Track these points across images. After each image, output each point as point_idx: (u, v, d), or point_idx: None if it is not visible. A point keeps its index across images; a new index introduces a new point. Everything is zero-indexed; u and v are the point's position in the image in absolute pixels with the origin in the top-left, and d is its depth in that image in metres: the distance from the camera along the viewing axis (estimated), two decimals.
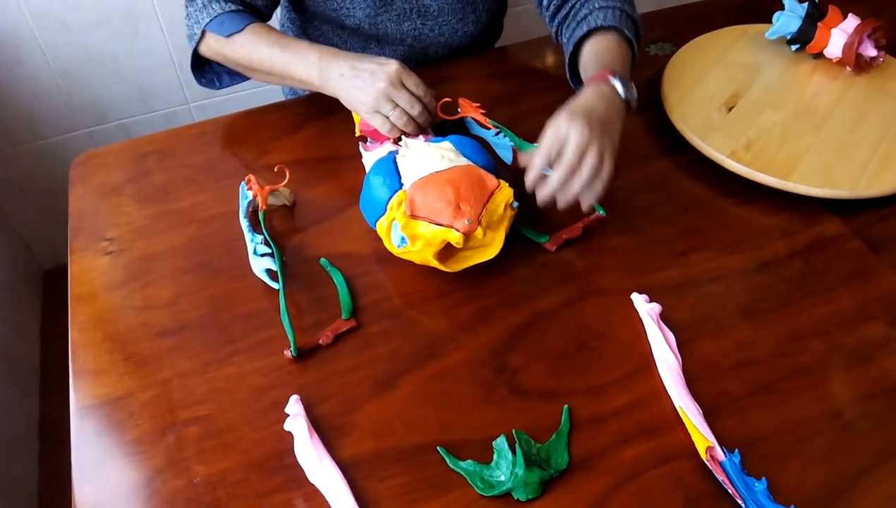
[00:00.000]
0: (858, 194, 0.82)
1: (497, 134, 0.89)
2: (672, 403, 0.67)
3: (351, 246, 0.81)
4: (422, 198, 0.72)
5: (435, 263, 0.73)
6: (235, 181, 0.87)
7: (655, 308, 0.73)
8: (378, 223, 0.75)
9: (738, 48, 1.04)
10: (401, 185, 0.75)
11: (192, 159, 0.93)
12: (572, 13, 0.95)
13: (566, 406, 0.66)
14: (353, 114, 0.90)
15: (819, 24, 0.99)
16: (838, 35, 0.97)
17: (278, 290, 0.73)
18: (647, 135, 0.95)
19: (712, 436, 0.63)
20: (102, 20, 1.42)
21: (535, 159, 0.75)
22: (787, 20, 1.01)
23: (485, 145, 0.89)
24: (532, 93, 0.99)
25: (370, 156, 0.85)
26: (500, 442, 0.63)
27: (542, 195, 0.75)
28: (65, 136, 1.57)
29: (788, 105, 0.94)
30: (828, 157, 0.86)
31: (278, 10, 1.11)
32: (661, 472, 0.62)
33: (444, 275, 0.77)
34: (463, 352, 0.71)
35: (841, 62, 1.00)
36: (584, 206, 0.76)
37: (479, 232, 0.71)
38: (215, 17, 0.90)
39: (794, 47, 1.03)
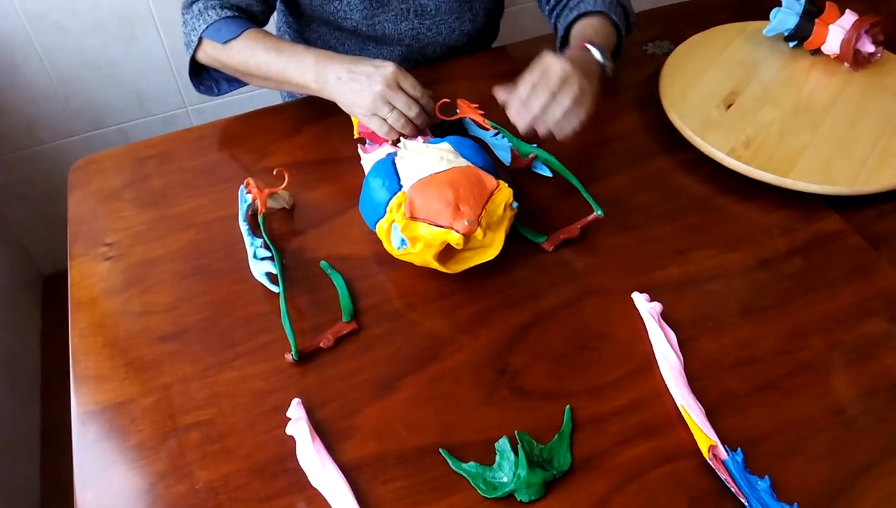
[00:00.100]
0: (858, 190, 0.82)
1: (495, 135, 0.89)
2: (674, 402, 0.67)
3: (351, 248, 0.81)
4: (421, 199, 0.72)
5: (435, 265, 0.73)
6: (234, 185, 0.87)
7: (656, 307, 0.73)
8: (378, 225, 0.75)
9: (736, 45, 1.04)
10: (400, 187, 0.75)
11: (191, 163, 0.92)
12: (567, 3, 0.99)
13: (568, 406, 0.66)
14: (352, 117, 0.90)
15: (816, 20, 0.99)
16: (836, 31, 0.97)
17: (278, 294, 0.73)
18: (645, 134, 0.95)
19: (714, 435, 0.63)
20: (99, 25, 1.42)
21: (519, 88, 0.79)
22: (785, 17, 1.01)
23: (483, 146, 0.89)
24: None
25: (369, 158, 0.85)
26: (503, 444, 0.63)
27: (524, 120, 0.79)
28: (63, 141, 1.57)
29: (787, 102, 0.94)
30: (827, 154, 0.86)
31: (275, 15, 1.11)
32: (664, 472, 0.62)
33: (445, 277, 0.77)
34: (464, 354, 0.71)
35: (839, 58, 0.99)
36: (560, 135, 0.80)
37: (478, 232, 0.71)
38: (212, 23, 0.90)
39: (791, 44, 1.03)
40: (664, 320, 0.73)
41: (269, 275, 0.76)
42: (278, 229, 0.84)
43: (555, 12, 1.02)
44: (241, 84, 0.97)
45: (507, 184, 0.75)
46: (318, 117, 0.97)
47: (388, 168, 0.77)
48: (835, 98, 0.94)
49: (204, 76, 0.99)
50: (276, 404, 0.67)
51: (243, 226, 0.81)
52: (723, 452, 0.62)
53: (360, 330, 0.73)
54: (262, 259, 0.76)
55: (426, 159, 0.76)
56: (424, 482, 0.62)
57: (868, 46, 0.97)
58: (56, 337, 1.68)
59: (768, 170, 0.84)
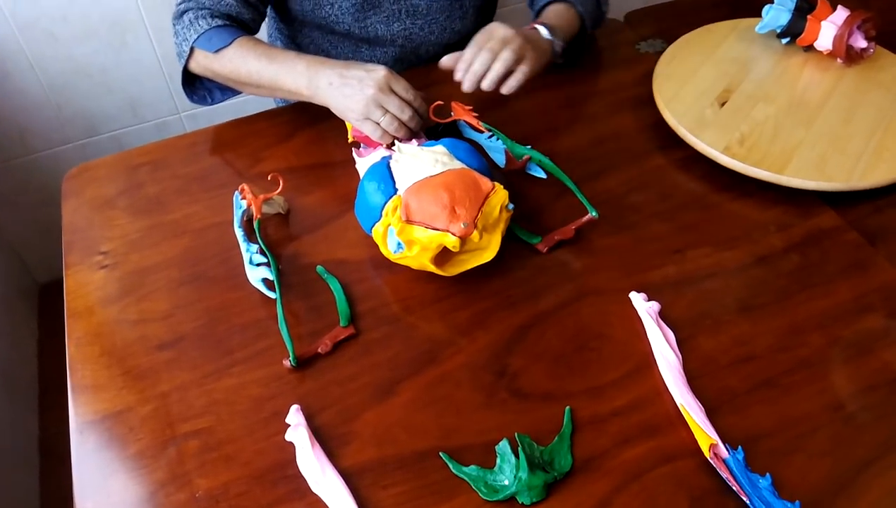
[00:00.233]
0: (853, 186, 0.82)
1: (490, 137, 0.89)
2: (673, 401, 0.67)
3: (347, 252, 0.81)
4: (417, 202, 0.72)
5: (432, 268, 0.73)
6: (229, 191, 0.87)
7: (654, 306, 0.73)
8: (374, 229, 0.75)
9: (729, 43, 1.04)
10: (395, 190, 0.75)
11: (185, 170, 0.92)
12: None
13: (567, 407, 0.66)
14: (345, 121, 0.90)
15: (809, 16, 0.99)
16: (828, 27, 0.97)
17: (275, 299, 0.73)
18: (639, 133, 0.95)
19: (715, 434, 0.63)
20: (90, 32, 1.42)
21: (465, 52, 0.85)
22: (777, 14, 1.01)
23: (478, 148, 0.89)
24: (524, 95, 0.98)
25: (363, 162, 0.85)
26: (503, 446, 0.63)
27: (469, 82, 0.85)
28: (56, 150, 1.56)
29: (780, 98, 0.94)
30: (821, 150, 0.86)
31: (266, 22, 1.11)
32: (665, 471, 0.62)
33: (442, 280, 0.76)
34: (462, 357, 0.71)
35: (831, 54, 1.00)
36: (505, 90, 0.84)
37: (475, 235, 0.71)
38: (203, 33, 0.90)
39: (784, 41, 1.03)
40: (662, 319, 0.73)
41: (266, 281, 0.75)
42: (274, 235, 0.83)
43: (534, 5, 1.07)
44: (235, 92, 0.97)
45: (502, 186, 0.75)
46: (312, 122, 0.97)
47: (383, 171, 0.77)
48: (828, 94, 0.95)
49: (197, 86, 0.98)
50: (275, 410, 0.67)
51: (238, 233, 0.80)
52: (723, 451, 0.62)
53: (358, 335, 0.73)
54: (259, 265, 0.76)
55: (421, 162, 0.76)
56: (425, 486, 0.62)
57: (860, 42, 0.97)
58: (53, 345, 1.67)
59: (763, 167, 0.84)
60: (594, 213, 0.79)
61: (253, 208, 0.80)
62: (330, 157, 0.93)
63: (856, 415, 0.66)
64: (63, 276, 0.81)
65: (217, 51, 0.89)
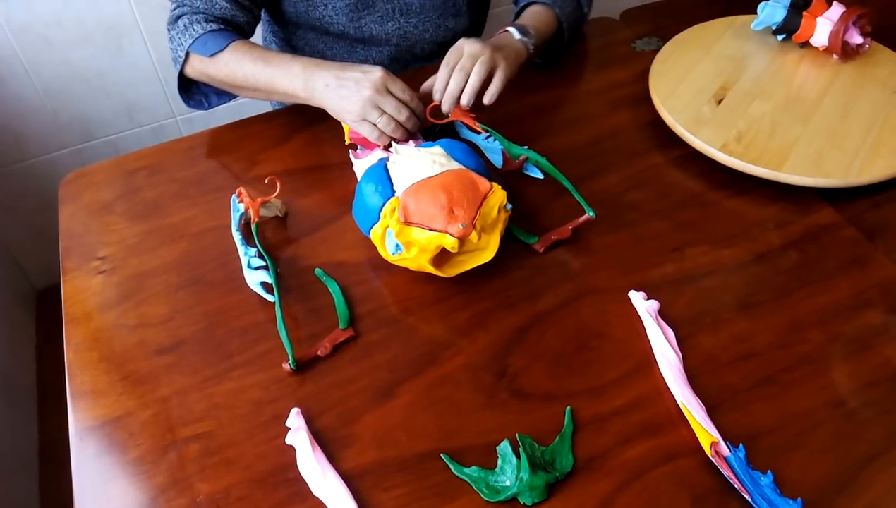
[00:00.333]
0: (850, 182, 0.82)
1: (487, 137, 0.89)
2: (674, 400, 0.67)
3: (345, 255, 0.81)
4: (415, 204, 0.72)
5: (431, 269, 0.73)
6: (226, 194, 0.87)
7: (654, 305, 0.73)
8: (372, 231, 0.75)
9: (725, 40, 1.04)
10: (393, 192, 0.75)
11: (182, 174, 0.92)
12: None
13: (568, 407, 0.66)
14: (342, 123, 0.89)
15: (804, 13, 0.99)
16: (824, 23, 0.97)
17: (274, 303, 0.73)
18: (637, 131, 0.95)
19: (716, 432, 0.63)
20: (85, 36, 1.41)
21: (439, 73, 0.85)
22: (773, 10, 1.01)
23: (475, 149, 0.89)
24: (521, 95, 0.98)
25: (361, 164, 0.85)
26: (504, 447, 0.63)
27: (448, 104, 0.86)
28: (53, 155, 1.56)
29: (777, 95, 0.94)
30: (818, 146, 0.86)
31: (260, 25, 1.11)
32: (666, 470, 0.62)
33: (440, 281, 0.76)
34: (462, 358, 0.71)
35: (827, 50, 1.00)
36: (487, 100, 0.85)
37: (473, 236, 0.71)
38: (198, 37, 0.89)
39: (780, 37, 1.03)
40: (662, 318, 0.73)
41: (264, 285, 0.75)
42: (272, 238, 0.83)
43: (517, 5, 1.07)
44: (231, 97, 0.97)
45: (500, 187, 0.75)
46: (308, 124, 0.97)
47: (381, 173, 0.77)
48: (825, 90, 0.95)
49: (193, 91, 0.98)
50: (275, 414, 0.67)
51: (236, 236, 0.80)
52: (725, 449, 0.62)
53: (358, 337, 0.73)
54: (257, 268, 0.76)
55: (418, 163, 0.76)
56: (426, 488, 0.62)
57: (856, 38, 0.97)
58: (51, 351, 1.67)
59: (761, 164, 0.84)
60: (591, 213, 0.79)
61: (251, 211, 0.80)
62: (327, 159, 0.92)
63: (857, 411, 0.66)
64: (61, 282, 0.80)
65: (212, 55, 0.89)
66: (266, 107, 1.26)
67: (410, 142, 0.84)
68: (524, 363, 0.70)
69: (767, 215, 0.83)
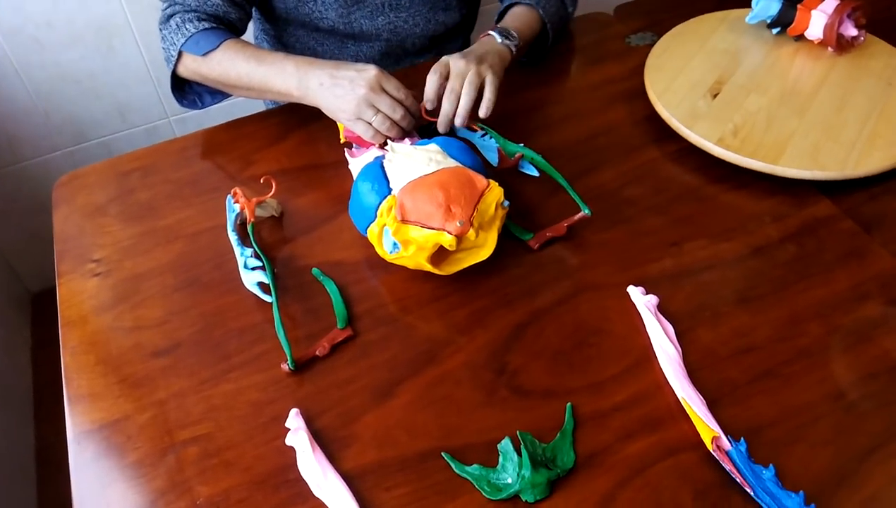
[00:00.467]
0: (847, 174, 0.82)
1: (483, 136, 0.88)
2: (674, 395, 0.66)
3: (342, 254, 0.80)
4: (412, 202, 0.71)
5: (428, 267, 0.72)
6: (221, 194, 0.86)
7: (652, 300, 0.73)
8: (369, 229, 0.74)
9: (720, 34, 1.04)
10: (389, 190, 0.74)
11: (176, 174, 0.91)
12: None
13: (569, 403, 0.66)
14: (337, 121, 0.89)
15: (799, 6, 0.99)
16: (818, 16, 0.97)
17: (271, 303, 0.73)
18: (632, 126, 0.95)
19: (717, 426, 0.63)
20: (76, 38, 1.41)
21: (427, 81, 0.85)
22: (767, 4, 1.01)
23: (470, 147, 0.88)
24: (515, 93, 0.98)
25: (356, 163, 0.85)
26: (505, 445, 0.62)
27: (442, 124, 0.85)
28: (45, 157, 1.55)
29: (773, 89, 0.94)
30: (815, 139, 0.86)
31: (251, 24, 1.10)
32: (668, 465, 0.62)
33: (438, 279, 0.76)
34: (461, 355, 0.71)
35: (822, 43, 1.00)
36: (483, 113, 0.84)
37: (471, 233, 0.70)
38: (190, 36, 0.89)
39: (774, 31, 1.03)
40: (661, 312, 0.72)
41: (261, 285, 0.75)
42: (268, 238, 0.83)
43: (502, 4, 1.06)
44: (225, 96, 0.96)
45: (497, 183, 0.74)
46: (303, 123, 0.96)
47: (377, 172, 0.76)
48: (820, 83, 0.95)
49: (186, 90, 0.98)
50: (274, 415, 0.66)
51: (232, 236, 0.80)
52: (726, 443, 0.62)
53: (356, 337, 0.72)
54: (254, 268, 0.76)
55: (415, 161, 0.76)
56: (428, 487, 0.61)
57: (851, 30, 0.97)
58: (47, 354, 1.66)
59: (757, 157, 0.84)
60: (587, 211, 0.79)
61: (246, 211, 0.79)
62: (322, 158, 0.92)
63: (857, 404, 0.66)
64: (56, 285, 0.80)
65: (205, 54, 0.88)
66: (260, 107, 1.26)
67: (406, 139, 0.83)
68: (523, 360, 0.70)
69: (765, 208, 0.83)
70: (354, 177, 0.82)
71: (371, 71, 0.82)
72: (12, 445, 1.42)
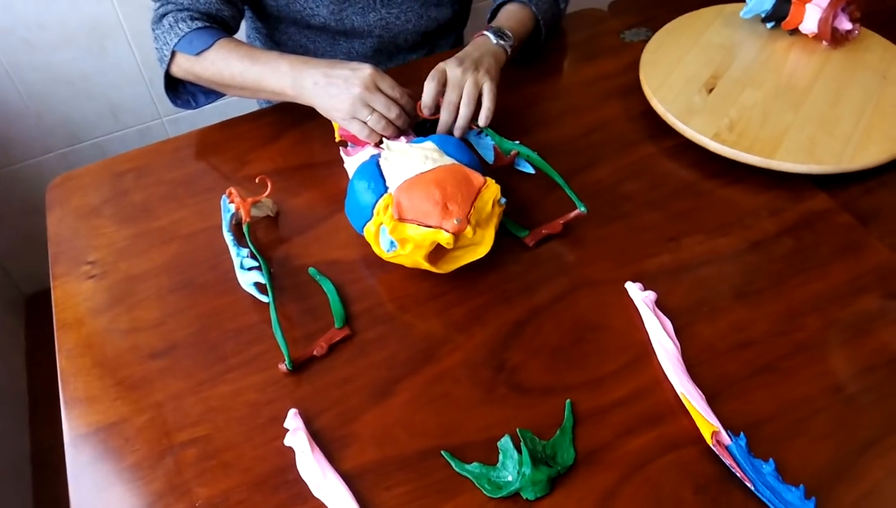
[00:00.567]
0: (843, 168, 0.82)
1: (479, 134, 0.88)
2: (673, 390, 0.66)
3: (339, 253, 0.80)
4: (408, 200, 0.71)
5: (426, 265, 0.72)
6: (216, 195, 0.86)
7: (650, 295, 0.73)
8: (365, 228, 0.74)
9: (715, 29, 1.04)
10: (386, 189, 0.74)
11: (170, 175, 0.91)
12: None
13: (568, 400, 0.66)
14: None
15: (793, 0, 0.99)
16: (813, 10, 0.97)
17: (268, 303, 0.72)
18: (628, 122, 0.94)
19: (717, 421, 0.63)
20: (68, 38, 1.40)
21: (425, 87, 0.84)
22: None
23: (467, 145, 0.88)
24: (511, 89, 0.98)
25: (352, 161, 0.84)
26: (505, 442, 0.62)
27: (440, 132, 0.85)
28: (38, 159, 1.54)
29: (768, 83, 0.94)
30: (810, 133, 0.86)
31: (243, 23, 1.10)
32: (668, 460, 0.62)
33: (436, 277, 0.76)
34: (460, 353, 0.70)
35: (817, 37, 1.00)
36: (482, 123, 0.84)
37: (468, 231, 0.70)
38: (183, 36, 0.88)
39: (769, 25, 1.03)
40: (659, 308, 0.72)
41: (258, 285, 0.75)
42: (264, 238, 0.82)
43: (494, 2, 1.06)
44: (219, 95, 0.96)
45: (493, 180, 0.74)
46: (297, 122, 0.96)
47: (373, 170, 0.76)
48: (815, 77, 0.95)
49: (180, 90, 0.97)
50: (273, 415, 0.66)
51: (228, 237, 0.79)
52: (726, 437, 0.62)
53: (354, 336, 0.72)
54: (250, 269, 0.75)
55: (411, 159, 0.75)
56: (428, 485, 0.61)
57: (845, 24, 0.97)
58: (42, 357, 1.65)
59: (753, 152, 0.84)
60: (582, 208, 0.78)
61: (241, 212, 0.79)
62: (317, 157, 0.92)
63: (856, 397, 0.66)
64: (50, 287, 0.79)
65: (198, 53, 0.88)
66: (253, 106, 1.25)
67: (402, 138, 0.83)
68: (522, 357, 0.70)
69: (761, 203, 0.83)
70: (350, 176, 0.81)
71: (366, 70, 0.82)
72: (7, 449, 1.41)
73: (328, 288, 0.76)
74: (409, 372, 0.69)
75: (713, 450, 0.62)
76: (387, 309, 0.74)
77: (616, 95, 0.99)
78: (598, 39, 1.10)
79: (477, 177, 0.73)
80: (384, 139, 0.82)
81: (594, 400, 0.66)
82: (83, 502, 0.62)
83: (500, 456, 0.62)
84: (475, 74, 0.84)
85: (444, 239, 0.69)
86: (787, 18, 1.00)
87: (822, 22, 0.97)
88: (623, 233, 0.81)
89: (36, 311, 1.73)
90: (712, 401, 0.65)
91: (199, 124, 0.99)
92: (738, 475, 0.60)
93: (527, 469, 0.59)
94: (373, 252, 0.75)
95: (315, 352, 0.70)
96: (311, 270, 0.78)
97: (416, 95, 0.87)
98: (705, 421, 0.63)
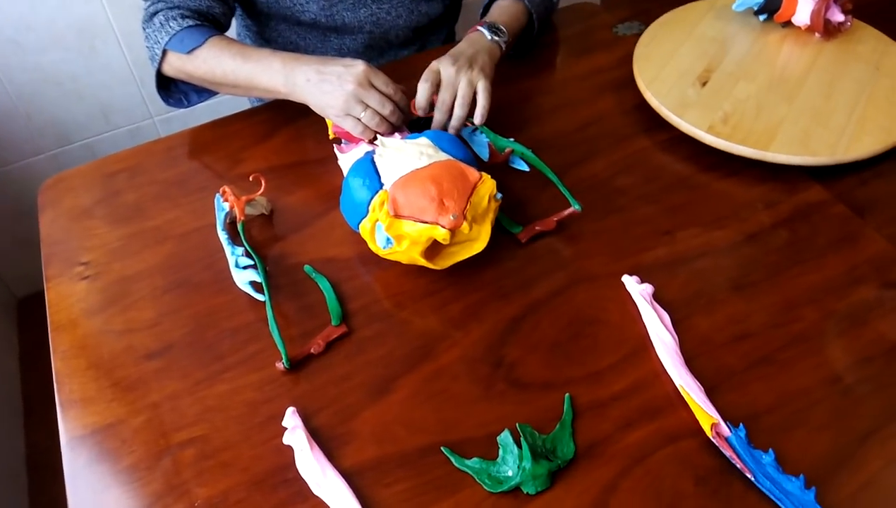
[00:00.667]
0: (838, 159, 0.82)
1: (473, 131, 0.88)
2: (672, 383, 0.66)
3: (334, 250, 0.79)
4: (404, 196, 0.71)
5: (422, 261, 0.72)
6: (209, 194, 0.85)
7: (647, 288, 0.72)
8: (361, 225, 0.74)
9: (707, 22, 1.04)
10: (381, 185, 0.74)
11: (163, 175, 0.90)
12: None
13: (567, 394, 0.66)
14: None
15: None
16: (805, 2, 0.97)
17: (264, 302, 0.72)
18: (622, 116, 0.94)
19: (716, 413, 0.63)
20: (57, 39, 1.39)
21: (418, 89, 0.84)
22: None
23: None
24: (504, 85, 0.98)
25: (346, 158, 0.84)
26: (505, 437, 0.62)
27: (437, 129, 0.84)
28: (29, 161, 1.53)
29: (761, 75, 0.94)
30: (804, 125, 0.86)
31: (233, 21, 1.09)
32: (668, 453, 0.62)
33: (432, 273, 0.75)
34: (457, 350, 0.70)
35: (809, 29, 1.00)
36: (478, 121, 0.84)
37: (465, 226, 0.70)
38: (174, 34, 0.88)
39: (762, 17, 1.03)
40: (656, 301, 0.72)
41: (253, 284, 0.74)
42: (258, 236, 0.82)
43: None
44: (211, 94, 0.95)
45: (489, 176, 0.74)
46: (290, 120, 0.95)
47: (368, 167, 0.76)
48: (808, 69, 0.95)
49: (172, 89, 0.96)
50: (271, 414, 0.66)
51: (222, 236, 0.79)
52: (725, 429, 0.62)
53: (351, 333, 0.72)
54: (245, 267, 0.75)
55: (406, 155, 0.75)
56: (428, 482, 0.61)
57: (838, 16, 0.98)
58: (35, 360, 1.64)
59: (748, 144, 0.84)
60: (577, 207, 0.78)
61: (236, 210, 0.78)
62: (311, 155, 0.91)
63: (854, 387, 0.66)
64: (44, 289, 0.78)
65: (190, 51, 0.87)
66: (245, 105, 1.24)
67: (396, 134, 0.83)
68: (520, 352, 0.70)
69: (756, 195, 0.83)
70: (344, 173, 0.81)
71: (359, 66, 0.81)
72: (2, 452, 1.40)
73: (324, 285, 0.75)
74: (407, 368, 0.69)
75: (713, 442, 0.62)
76: (384, 306, 0.74)
77: (610, 89, 0.98)
78: (591, 33, 1.09)
79: (472, 173, 0.73)
80: (378, 135, 0.82)
81: (593, 393, 0.66)
82: (81, 504, 0.62)
83: (500, 451, 0.62)
84: (469, 73, 0.83)
85: (441, 235, 0.69)
86: (780, 11, 1.00)
87: (815, 14, 0.97)
88: (619, 227, 0.80)
89: (28, 314, 1.72)
90: (711, 393, 0.65)
91: (190, 123, 0.99)
92: (738, 466, 0.60)
93: (527, 464, 0.59)
94: (368, 249, 0.75)
95: (312, 350, 0.70)
96: (307, 268, 0.77)
97: (410, 92, 0.87)
98: (704, 413, 0.63)
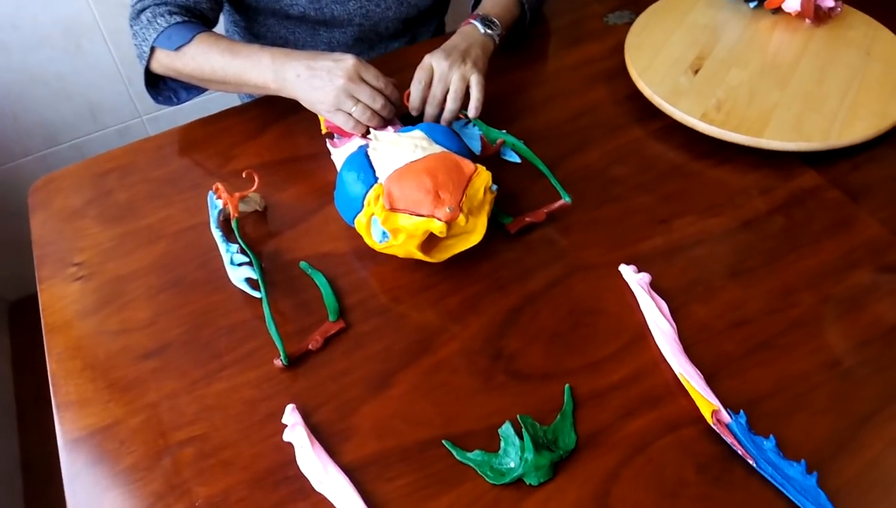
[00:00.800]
0: (831, 144, 0.83)
1: (465, 124, 0.87)
2: (672, 371, 0.66)
3: (330, 246, 0.79)
4: (399, 189, 0.70)
5: (419, 255, 0.72)
6: (202, 191, 0.85)
7: (645, 277, 0.72)
8: (356, 220, 0.73)
9: (698, 10, 1.04)
10: (376, 179, 0.73)
11: (155, 173, 0.89)
12: None
13: (567, 385, 0.65)
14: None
15: None
16: None
17: (260, 299, 0.71)
18: (615, 106, 0.94)
19: (716, 399, 0.63)
20: (42, 38, 1.37)
21: (411, 89, 0.84)
22: None
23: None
24: (496, 76, 0.97)
25: (339, 153, 0.83)
26: (506, 429, 0.62)
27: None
28: (18, 162, 1.52)
29: (753, 62, 0.94)
30: (797, 111, 0.86)
31: (221, 17, 1.08)
32: (669, 441, 0.62)
33: (429, 266, 0.75)
34: (456, 343, 0.70)
35: (800, 15, 1.00)
36: (472, 114, 0.83)
37: (461, 219, 0.69)
38: (162, 31, 0.87)
39: (752, 4, 1.03)
40: (654, 290, 0.72)
41: (249, 281, 0.74)
42: (253, 233, 0.81)
43: None
44: (201, 91, 0.94)
45: (484, 168, 0.73)
46: (281, 116, 0.95)
47: (362, 160, 0.75)
48: (799, 55, 0.95)
49: (161, 87, 0.95)
50: (270, 411, 0.65)
51: (216, 233, 0.78)
52: (726, 416, 0.62)
53: (349, 329, 0.71)
54: (240, 264, 0.74)
55: (400, 148, 0.75)
56: (430, 475, 0.61)
57: (828, 1, 0.98)
58: (28, 363, 1.63)
59: (742, 131, 0.84)
60: (567, 199, 0.78)
61: (229, 207, 0.78)
62: (303, 150, 0.90)
63: (853, 370, 0.66)
64: (37, 291, 0.78)
65: (178, 49, 0.86)
66: (235, 101, 1.23)
67: (388, 127, 0.82)
68: (519, 344, 0.69)
69: (751, 182, 0.83)
70: (338, 168, 0.80)
71: (349, 60, 0.81)
72: None
73: (320, 281, 0.75)
74: (406, 363, 0.69)
75: (714, 429, 0.62)
76: (381, 300, 0.74)
77: (602, 79, 0.98)
78: (582, 23, 1.09)
79: (468, 165, 0.72)
80: (371, 129, 0.81)
81: (593, 383, 0.66)
82: (80, 507, 0.61)
83: (502, 443, 0.62)
84: (462, 68, 0.83)
85: (437, 227, 0.68)
86: None
87: (805, 0, 0.97)
88: (614, 217, 0.80)
89: (21, 317, 1.71)
90: (711, 380, 0.65)
91: (179, 122, 0.98)
92: (739, 452, 0.60)
93: (529, 455, 0.59)
94: (364, 243, 0.74)
95: (310, 346, 0.69)
96: (303, 264, 0.77)
97: (401, 85, 0.86)
98: (705, 400, 0.63)
